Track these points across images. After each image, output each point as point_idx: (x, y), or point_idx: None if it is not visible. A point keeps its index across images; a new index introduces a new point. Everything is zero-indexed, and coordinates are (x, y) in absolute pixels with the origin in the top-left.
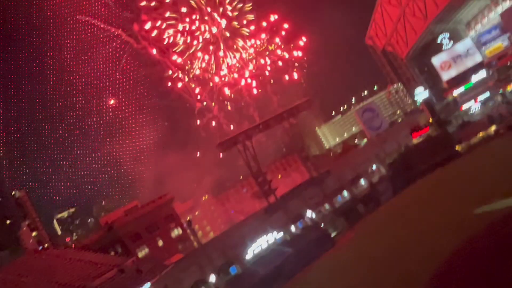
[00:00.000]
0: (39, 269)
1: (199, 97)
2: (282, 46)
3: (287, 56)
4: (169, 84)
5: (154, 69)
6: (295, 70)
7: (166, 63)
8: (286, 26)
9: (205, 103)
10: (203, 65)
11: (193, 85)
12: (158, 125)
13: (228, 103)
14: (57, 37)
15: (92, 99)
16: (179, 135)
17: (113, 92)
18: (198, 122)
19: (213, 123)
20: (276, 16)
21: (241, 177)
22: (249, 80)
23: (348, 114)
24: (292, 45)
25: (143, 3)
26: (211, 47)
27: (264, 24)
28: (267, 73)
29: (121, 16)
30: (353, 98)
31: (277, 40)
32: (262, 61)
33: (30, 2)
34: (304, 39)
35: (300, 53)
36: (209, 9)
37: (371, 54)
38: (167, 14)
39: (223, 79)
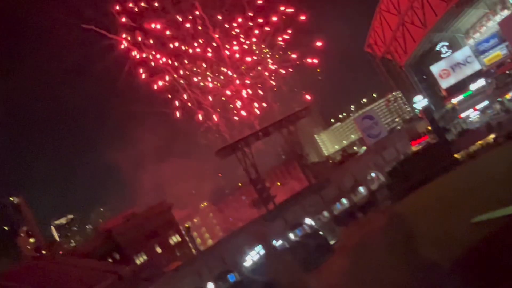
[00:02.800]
0: (36, 276)
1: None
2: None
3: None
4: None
5: (157, 77)
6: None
7: (168, 70)
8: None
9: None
10: (210, 77)
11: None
12: (157, 132)
13: (236, 117)
14: (58, 45)
15: (93, 106)
16: (179, 142)
17: (115, 99)
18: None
19: (216, 135)
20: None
21: (240, 185)
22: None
23: (347, 122)
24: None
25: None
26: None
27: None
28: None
29: (123, 24)
30: (352, 105)
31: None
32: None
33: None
34: (319, 43)
35: (315, 60)
36: (219, 17)
37: (370, 62)
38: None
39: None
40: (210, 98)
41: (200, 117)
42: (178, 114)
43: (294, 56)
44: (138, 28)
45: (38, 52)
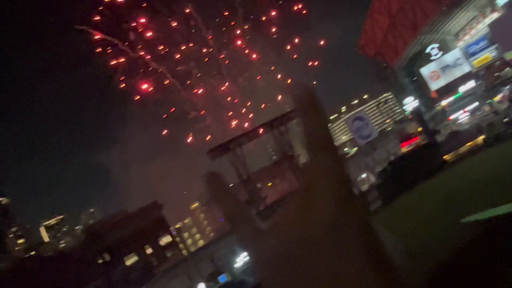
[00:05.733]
0: (25, 278)
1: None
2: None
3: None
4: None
5: (149, 78)
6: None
7: (162, 72)
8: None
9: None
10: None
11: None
12: (148, 133)
13: (231, 122)
14: (51, 46)
15: (83, 107)
16: (169, 143)
17: (105, 100)
18: (190, 136)
19: (208, 136)
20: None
21: (231, 185)
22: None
23: (338, 123)
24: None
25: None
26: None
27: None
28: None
29: (117, 25)
30: (343, 107)
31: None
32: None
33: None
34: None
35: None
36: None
37: (361, 63)
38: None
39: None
40: (202, 99)
41: (192, 118)
42: (165, 131)
43: (295, 56)
44: (126, 30)
45: (28, 51)
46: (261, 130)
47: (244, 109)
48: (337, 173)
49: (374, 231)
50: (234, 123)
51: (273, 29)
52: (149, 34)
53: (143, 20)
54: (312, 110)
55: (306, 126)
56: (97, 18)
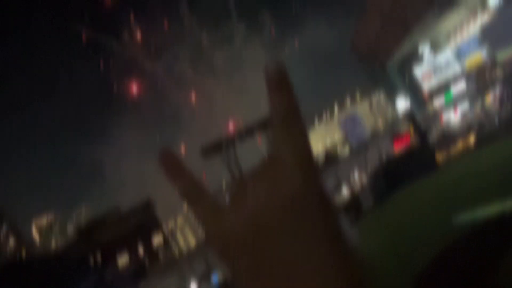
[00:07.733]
0: (15, 278)
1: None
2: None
3: None
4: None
5: (144, 76)
6: None
7: (155, 72)
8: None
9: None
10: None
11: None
12: (140, 129)
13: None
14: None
15: (76, 105)
16: (162, 140)
17: (98, 99)
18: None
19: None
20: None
21: (224, 184)
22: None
23: (330, 122)
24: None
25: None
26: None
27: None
28: None
29: (111, 24)
30: (336, 106)
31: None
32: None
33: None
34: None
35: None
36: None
37: (354, 63)
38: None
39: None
40: (196, 99)
41: (185, 116)
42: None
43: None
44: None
45: (19, 52)
46: (253, 129)
47: (238, 109)
48: (303, 154)
49: (338, 220)
50: (228, 122)
51: (268, 29)
52: (141, 34)
53: (135, 20)
54: (281, 87)
55: (273, 103)
56: (88, 17)
